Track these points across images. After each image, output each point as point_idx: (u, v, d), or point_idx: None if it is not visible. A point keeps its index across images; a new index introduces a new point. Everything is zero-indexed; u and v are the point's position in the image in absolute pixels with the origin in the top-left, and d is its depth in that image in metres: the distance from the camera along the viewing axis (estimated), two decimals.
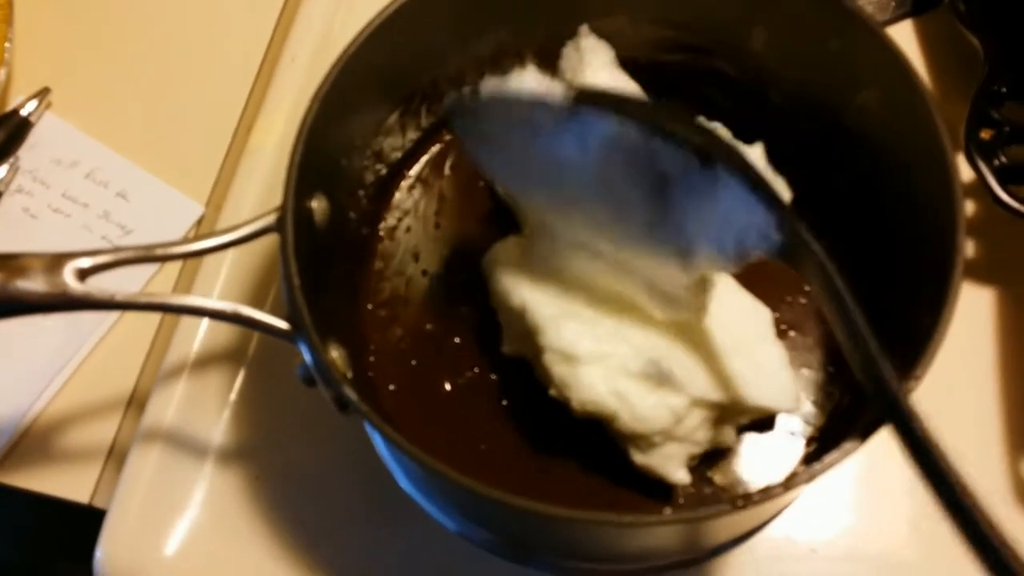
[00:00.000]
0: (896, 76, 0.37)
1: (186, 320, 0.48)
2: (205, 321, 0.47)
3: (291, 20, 0.56)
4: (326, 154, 0.38)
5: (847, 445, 0.31)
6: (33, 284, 0.32)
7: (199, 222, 0.52)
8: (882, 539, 0.43)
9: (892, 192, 0.40)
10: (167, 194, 0.53)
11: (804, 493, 0.42)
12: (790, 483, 0.30)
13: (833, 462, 0.30)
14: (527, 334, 0.38)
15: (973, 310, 0.46)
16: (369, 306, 0.44)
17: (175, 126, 0.54)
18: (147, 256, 0.35)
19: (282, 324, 0.35)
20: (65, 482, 0.47)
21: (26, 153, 0.53)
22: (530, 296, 0.38)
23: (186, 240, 0.36)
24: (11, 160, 0.53)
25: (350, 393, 0.33)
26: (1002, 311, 0.46)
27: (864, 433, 0.31)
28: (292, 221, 0.35)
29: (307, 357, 0.35)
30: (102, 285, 0.34)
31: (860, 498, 0.43)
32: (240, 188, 0.51)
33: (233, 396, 0.47)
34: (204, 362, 0.47)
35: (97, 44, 0.57)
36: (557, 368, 0.36)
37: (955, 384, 0.45)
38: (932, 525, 0.41)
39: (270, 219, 0.36)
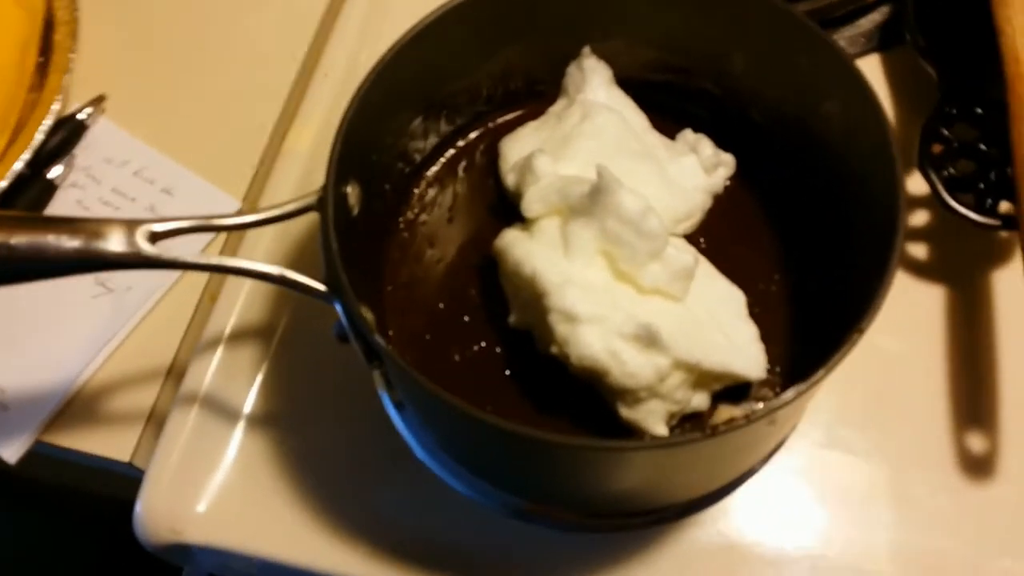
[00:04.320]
0: (854, 92, 0.43)
1: (224, 296, 0.53)
2: (242, 297, 0.53)
3: (325, 40, 0.62)
4: (361, 148, 0.44)
5: (799, 386, 0.36)
6: (112, 244, 0.38)
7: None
8: (853, 546, 0.47)
9: (851, 195, 0.45)
10: (207, 190, 0.58)
11: (774, 481, 0.47)
12: (752, 416, 0.36)
13: (787, 400, 0.36)
14: (534, 300, 0.43)
15: (924, 304, 0.51)
16: (389, 288, 0.50)
17: (216, 131, 0.60)
18: (207, 226, 0.40)
19: (320, 286, 0.41)
20: (108, 443, 0.52)
21: (81, 152, 0.59)
22: (539, 266, 0.43)
23: (239, 213, 0.41)
24: (67, 158, 0.59)
25: (379, 341, 0.38)
26: (952, 306, 0.51)
27: (810, 379, 0.36)
28: (332, 201, 0.41)
29: (342, 315, 0.40)
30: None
31: (829, 504, 0.48)
32: (275, 185, 0.57)
33: (264, 367, 0.52)
34: (239, 335, 0.53)
35: (148, 57, 0.63)
36: (560, 327, 0.42)
37: (908, 368, 0.50)
38: (903, 535, 0.47)
39: (311, 199, 0.42)
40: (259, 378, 0.52)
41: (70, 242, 0.38)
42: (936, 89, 0.53)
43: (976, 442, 0.48)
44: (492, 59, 0.51)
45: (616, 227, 0.43)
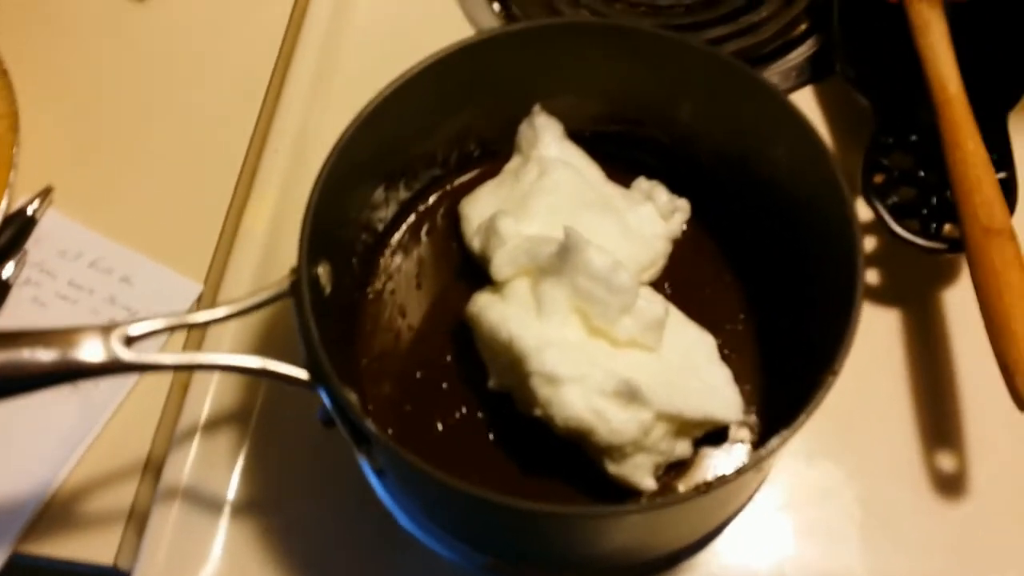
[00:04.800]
0: (798, 133, 0.45)
1: (196, 385, 0.53)
2: (213, 384, 0.52)
3: (271, 117, 0.62)
4: (328, 227, 0.44)
5: (783, 433, 0.37)
6: (89, 353, 0.38)
7: (199, 299, 0.57)
8: (835, 559, 0.49)
9: (805, 230, 0.47)
10: (167, 276, 0.58)
11: (758, 518, 0.49)
12: (741, 471, 0.37)
13: (773, 449, 0.37)
14: (513, 365, 0.44)
15: (881, 329, 0.53)
16: (364, 361, 0.50)
17: (170, 214, 0.60)
18: (183, 323, 0.40)
19: (302, 374, 0.41)
20: (89, 547, 0.51)
21: (33, 247, 0.58)
22: (515, 330, 0.44)
23: (213, 306, 0.41)
24: (19, 255, 0.58)
25: (370, 426, 0.38)
26: (905, 328, 0.53)
27: (792, 425, 0.38)
28: (306, 285, 0.41)
29: (327, 401, 0.40)
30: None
31: (811, 534, 0.49)
32: (236, 267, 0.57)
33: (243, 452, 0.52)
34: (214, 423, 0.52)
35: (94, 144, 0.62)
36: (542, 390, 0.42)
37: (873, 394, 0.52)
38: (883, 561, 0.48)
39: (284, 285, 0.42)
40: (239, 464, 0.52)
41: (46, 355, 0.37)
42: (871, 118, 0.56)
43: (946, 461, 0.50)
44: (447, 124, 0.52)
45: (587, 284, 0.44)
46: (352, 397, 0.41)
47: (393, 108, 0.46)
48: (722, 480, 0.36)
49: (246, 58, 0.65)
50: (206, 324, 0.40)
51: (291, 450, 0.52)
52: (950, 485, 0.50)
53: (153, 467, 0.52)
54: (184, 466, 0.51)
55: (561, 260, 0.45)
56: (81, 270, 0.58)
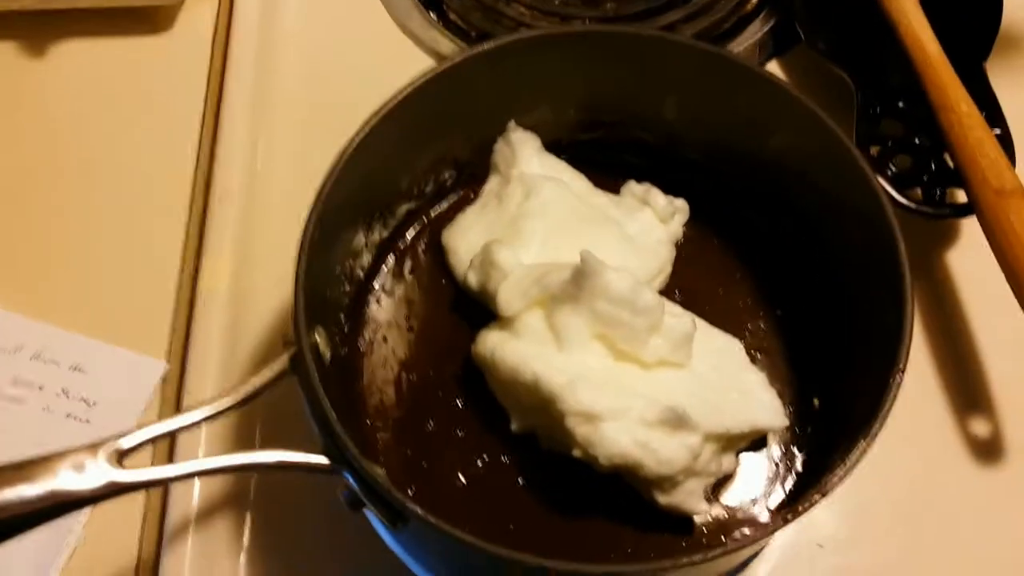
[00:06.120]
0: (801, 119, 0.43)
1: None
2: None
3: (210, 162, 0.57)
4: (315, 288, 0.40)
5: (861, 444, 0.35)
6: (80, 480, 0.32)
7: (164, 378, 0.52)
8: (878, 528, 0.47)
9: (820, 215, 0.45)
10: (123, 357, 0.52)
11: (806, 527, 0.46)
12: (825, 487, 0.34)
13: (852, 465, 0.35)
14: (540, 406, 0.41)
15: None
16: (368, 422, 0.46)
17: (115, 288, 0.54)
18: (180, 427, 0.35)
19: (320, 460, 0.36)
20: None
21: None
22: (539, 369, 0.40)
23: (208, 403, 0.36)
24: None
25: (412, 507, 0.34)
26: (920, 296, 0.52)
27: (869, 433, 0.35)
28: (310, 359, 0.36)
29: (354, 485, 0.36)
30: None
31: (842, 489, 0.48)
32: (201, 334, 0.51)
33: (245, 540, 0.47)
34: (207, 513, 0.47)
35: (17, 221, 0.56)
36: (580, 429, 0.39)
37: None
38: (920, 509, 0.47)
39: (282, 363, 0.38)
40: (243, 554, 0.47)
41: (32, 490, 0.32)
42: (844, 86, 0.54)
43: (979, 426, 0.49)
44: (424, 154, 0.48)
45: (608, 309, 0.41)
46: (381, 474, 0.37)
47: (367, 152, 0.42)
48: (807, 504, 0.34)
49: (171, 99, 0.60)
50: (207, 420, 0.35)
51: (296, 525, 0.47)
52: (986, 450, 0.49)
53: (145, 570, 0.47)
54: (183, 567, 0.46)
55: (577, 287, 0.41)
56: (24, 364, 0.52)
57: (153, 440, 0.34)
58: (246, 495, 0.48)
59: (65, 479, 0.32)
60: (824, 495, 0.34)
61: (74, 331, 0.53)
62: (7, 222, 0.56)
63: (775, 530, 0.34)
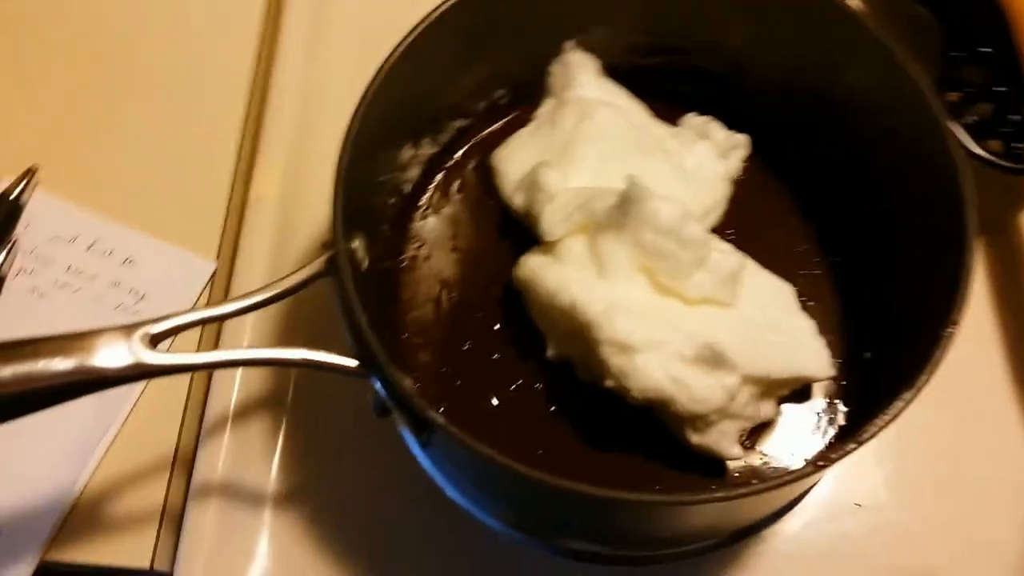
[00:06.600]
0: (877, 56, 0.41)
1: (221, 373, 0.48)
2: (240, 370, 0.48)
3: (267, 71, 0.56)
4: (357, 195, 0.40)
5: (904, 395, 0.33)
6: (110, 359, 0.33)
7: (212, 277, 0.52)
8: (919, 490, 0.46)
9: (887, 163, 0.43)
10: (175, 255, 0.53)
11: (846, 470, 0.45)
12: (862, 436, 0.33)
13: (895, 413, 0.33)
14: (576, 332, 0.40)
15: None
16: (406, 335, 0.46)
17: (170, 185, 0.55)
18: (211, 316, 0.35)
19: (349, 362, 0.36)
20: (122, 551, 0.47)
21: (23, 235, 0.53)
22: (578, 295, 0.39)
23: (241, 296, 0.37)
24: (9, 244, 0.52)
25: (436, 417, 0.34)
26: (989, 256, 0.49)
27: (913, 384, 0.34)
28: (347, 263, 0.36)
29: (382, 390, 0.36)
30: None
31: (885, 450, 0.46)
32: (249, 238, 0.52)
33: (280, 440, 0.48)
34: (245, 411, 0.48)
35: (76, 118, 0.56)
36: (615, 359, 0.38)
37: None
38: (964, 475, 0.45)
39: (319, 265, 0.38)
40: (277, 452, 0.48)
41: (62, 364, 0.33)
42: (933, 30, 0.51)
43: None
44: (473, 70, 0.47)
45: (653, 239, 0.40)
46: (408, 383, 0.37)
47: (415, 59, 0.41)
48: (840, 452, 0.32)
49: (231, 7, 0.59)
50: (238, 314, 0.35)
51: (331, 431, 0.48)
52: None
53: (183, 462, 0.48)
54: (217, 460, 0.47)
55: (622, 214, 0.40)
56: (79, 254, 0.53)
57: (184, 328, 0.34)
58: (284, 396, 0.48)
59: (97, 357, 0.33)
60: (860, 444, 0.33)
61: (128, 225, 0.53)
62: (68, 117, 0.56)
63: (803, 476, 0.33)
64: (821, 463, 0.33)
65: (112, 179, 0.55)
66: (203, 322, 0.35)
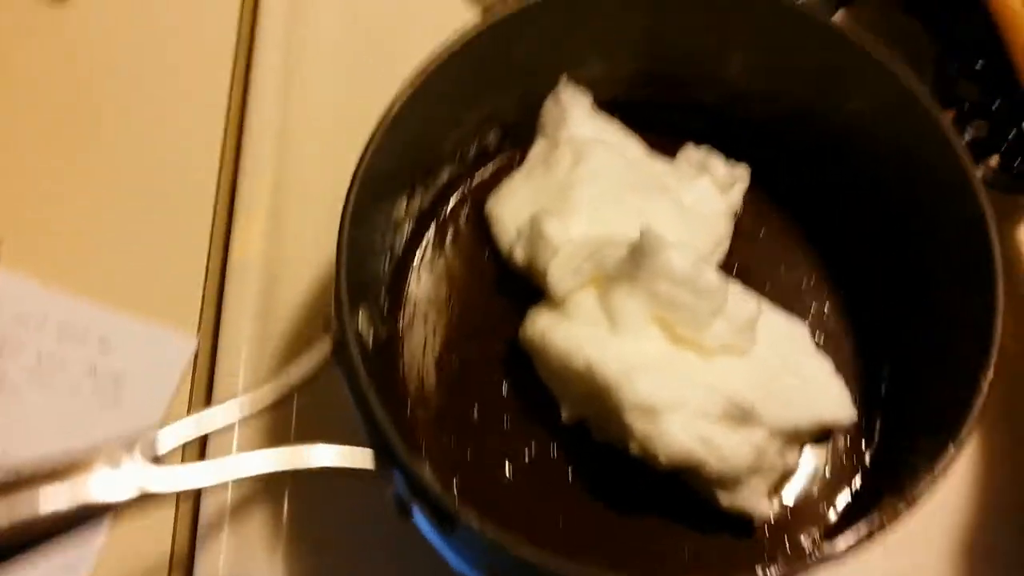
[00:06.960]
0: (884, 83, 0.39)
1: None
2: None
3: (239, 124, 0.54)
4: (357, 265, 0.37)
5: (950, 451, 0.32)
6: (112, 490, 0.30)
7: (195, 356, 0.49)
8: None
9: (897, 190, 0.41)
10: (152, 332, 0.50)
11: None
12: (913, 496, 0.31)
13: (941, 471, 0.32)
14: (594, 395, 0.38)
15: None
16: (409, 410, 0.43)
17: (142, 257, 0.51)
18: (221, 425, 0.33)
19: (367, 462, 0.34)
20: None
21: None
22: (593, 355, 0.37)
23: (251, 399, 0.34)
24: None
25: (467, 516, 0.32)
26: None
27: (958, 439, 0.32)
28: (356, 350, 0.34)
29: (405, 487, 0.34)
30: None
31: None
32: (233, 309, 0.49)
33: (283, 533, 0.45)
34: (243, 503, 0.45)
35: (40, 184, 0.53)
36: (639, 425, 0.36)
37: None
38: None
39: (324, 350, 0.35)
40: (280, 547, 0.45)
41: (56, 501, 0.30)
42: (915, 37, 0.50)
43: None
44: (470, 114, 0.45)
45: (669, 290, 0.38)
46: (428, 473, 0.34)
47: (417, 106, 0.39)
48: (893, 516, 0.31)
49: (199, 57, 0.56)
50: (247, 418, 0.33)
51: (337, 523, 0.45)
52: None
53: (179, 566, 0.45)
54: (218, 561, 0.44)
55: (634, 265, 0.39)
56: (49, 338, 0.50)
57: (188, 441, 0.32)
58: (283, 487, 0.46)
59: (96, 487, 0.30)
60: (912, 504, 0.32)
61: (100, 303, 0.50)
62: (31, 185, 0.53)
63: (858, 548, 0.32)
64: (879, 526, 0.31)
65: (82, 255, 0.52)
66: (210, 432, 0.32)
